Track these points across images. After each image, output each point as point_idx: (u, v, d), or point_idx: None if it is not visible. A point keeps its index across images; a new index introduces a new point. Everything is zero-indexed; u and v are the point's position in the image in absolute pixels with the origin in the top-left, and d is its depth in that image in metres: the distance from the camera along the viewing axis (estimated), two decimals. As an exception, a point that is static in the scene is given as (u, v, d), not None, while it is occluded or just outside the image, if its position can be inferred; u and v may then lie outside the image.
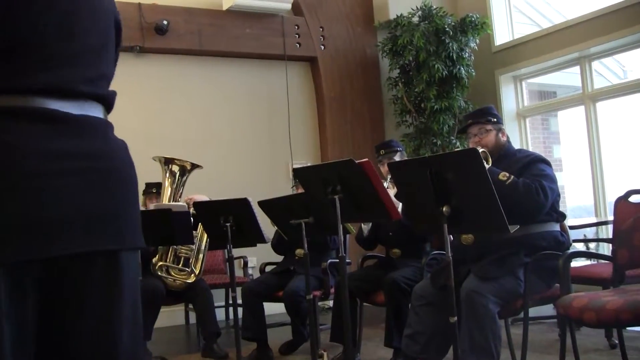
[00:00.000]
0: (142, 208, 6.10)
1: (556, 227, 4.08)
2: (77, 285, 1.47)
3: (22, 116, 1.40)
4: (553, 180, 3.98)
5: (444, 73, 7.71)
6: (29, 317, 1.41)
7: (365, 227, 5.19)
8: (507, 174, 3.91)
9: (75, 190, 1.43)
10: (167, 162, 5.92)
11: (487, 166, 3.89)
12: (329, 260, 5.44)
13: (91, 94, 1.53)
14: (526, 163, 4.10)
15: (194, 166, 6.00)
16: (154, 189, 6.38)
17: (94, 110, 1.54)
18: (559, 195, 4.10)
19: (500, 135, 4.28)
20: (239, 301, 5.42)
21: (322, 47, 8.63)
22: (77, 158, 1.44)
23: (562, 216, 4.13)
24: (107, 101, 1.61)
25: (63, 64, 1.48)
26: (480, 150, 4.09)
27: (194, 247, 5.92)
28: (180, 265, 5.90)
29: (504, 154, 4.24)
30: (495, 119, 4.28)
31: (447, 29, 7.76)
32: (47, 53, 1.45)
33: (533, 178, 3.91)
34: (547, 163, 4.09)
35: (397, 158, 5.06)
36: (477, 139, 4.26)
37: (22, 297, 1.39)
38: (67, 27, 1.49)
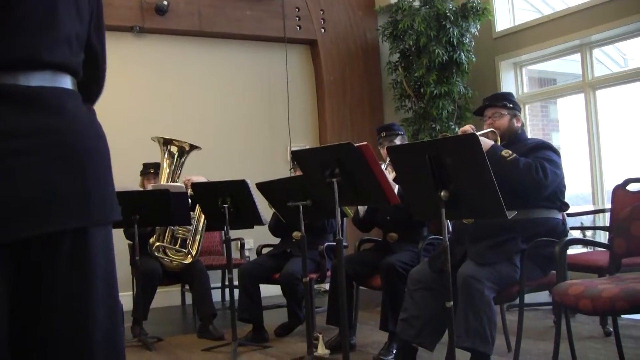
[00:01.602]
0: (139, 188, 6.11)
1: (558, 216, 4.09)
2: (44, 266, 1.44)
3: None
4: (558, 166, 3.99)
5: (444, 58, 7.69)
6: (1, 305, 1.39)
7: (362, 208, 5.18)
8: (510, 152, 3.93)
9: (26, 170, 1.37)
10: (166, 142, 5.92)
11: (492, 143, 3.95)
12: (326, 243, 5.45)
13: (46, 63, 1.45)
14: (533, 147, 4.13)
15: (193, 147, 5.99)
16: (151, 169, 6.37)
17: (53, 80, 1.47)
18: (564, 186, 4.11)
19: (514, 121, 4.31)
20: (236, 283, 5.43)
21: (323, 30, 8.61)
22: (26, 136, 1.38)
23: (566, 205, 4.14)
24: (69, 67, 1.53)
25: (6, 34, 1.40)
26: (490, 129, 4.14)
27: (191, 228, 5.93)
28: (177, 246, 5.90)
29: (515, 139, 4.26)
30: (512, 105, 4.32)
31: (448, 14, 7.73)
32: None
33: (536, 159, 3.92)
34: (556, 151, 4.11)
35: (397, 141, 5.05)
36: (491, 121, 4.30)
37: None
38: None
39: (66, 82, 1.52)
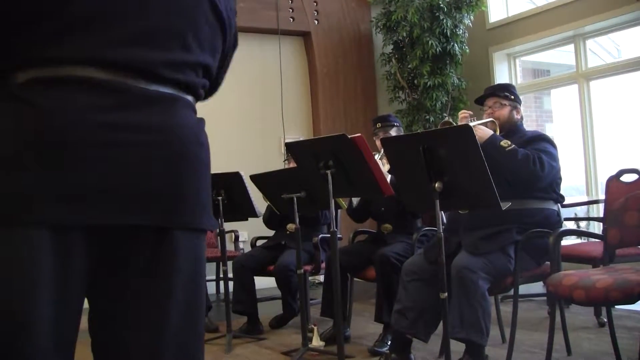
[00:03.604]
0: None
1: (553, 207, 4.10)
2: (124, 260, 1.47)
3: (85, 86, 1.39)
4: (555, 159, 4.01)
5: (437, 49, 7.67)
6: (74, 284, 1.41)
7: (355, 198, 5.18)
8: (509, 142, 3.94)
9: (125, 161, 1.41)
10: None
11: (491, 132, 3.97)
12: (320, 235, 5.45)
13: (170, 80, 1.51)
14: (531, 138, 4.16)
15: (186, 139, 5.97)
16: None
17: (172, 90, 1.52)
18: (560, 178, 4.12)
19: (514, 112, 4.33)
20: (230, 275, 5.43)
21: (316, 22, 8.59)
22: (134, 131, 1.42)
23: (561, 197, 4.15)
24: (192, 89, 1.59)
25: (138, 42, 1.46)
26: (489, 120, 4.16)
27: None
28: (171, 239, 5.88)
29: (514, 131, 4.27)
30: (513, 97, 4.33)
31: (442, 5, 7.71)
32: (121, 27, 1.44)
33: (534, 151, 3.94)
34: (553, 144, 4.12)
35: (393, 133, 5.05)
36: (491, 111, 4.32)
37: (66, 263, 1.38)
38: (144, 3, 1.46)
39: (182, 94, 1.56)
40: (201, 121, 1.63)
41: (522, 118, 4.40)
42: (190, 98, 1.59)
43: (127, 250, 1.47)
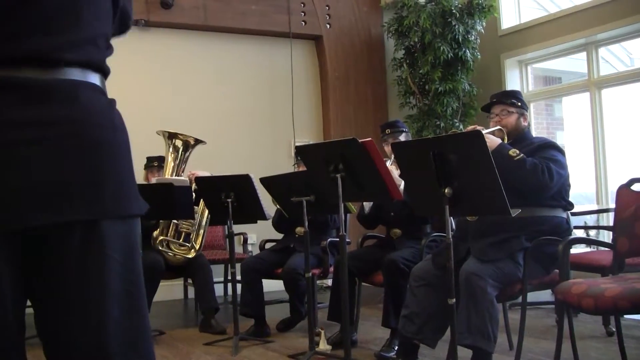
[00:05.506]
0: (143, 182, 6.10)
1: (562, 214, 4.08)
2: (55, 257, 1.43)
3: None
4: (563, 166, 3.99)
5: (449, 55, 7.67)
6: (3, 289, 1.39)
7: (367, 204, 5.17)
8: (518, 151, 3.93)
9: (37, 159, 1.37)
10: (171, 136, 5.91)
11: (499, 141, 3.95)
12: (329, 239, 5.45)
13: (67, 61, 1.45)
14: (539, 146, 4.14)
15: (198, 141, 5.98)
16: (155, 162, 6.38)
17: (72, 74, 1.46)
18: (569, 185, 4.11)
19: (521, 119, 4.31)
20: (238, 277, 5.43)
21: (328, 26, 8.60)
22: (40, 126, 1.38)
23: (570, 205, 4.13)
24: (94, 65, 1.53)
25: (30, 31, 1.41)
26: (497, 128, 4.15)
27: (194, 222, 5.93)
28: (180, 240, 5.90)
29: (522, 138, 4.27)
30: (519, 104, 4.31)
31: (454, 11, 7.71)
32: (9, 21, 1.40)
33: (542, 160, 3.92)
34: (561, 151, 4.10)
35: (402, 138, 5.04)
36: (498, 119, 4.30)
37: None
38: None
39: (88, 77, 1.51)
40: (112, 102, 1.58)
41: (529, 125, 4.39)
42: (95, 78, 1.53)
43: (56, 248, 1.42)
